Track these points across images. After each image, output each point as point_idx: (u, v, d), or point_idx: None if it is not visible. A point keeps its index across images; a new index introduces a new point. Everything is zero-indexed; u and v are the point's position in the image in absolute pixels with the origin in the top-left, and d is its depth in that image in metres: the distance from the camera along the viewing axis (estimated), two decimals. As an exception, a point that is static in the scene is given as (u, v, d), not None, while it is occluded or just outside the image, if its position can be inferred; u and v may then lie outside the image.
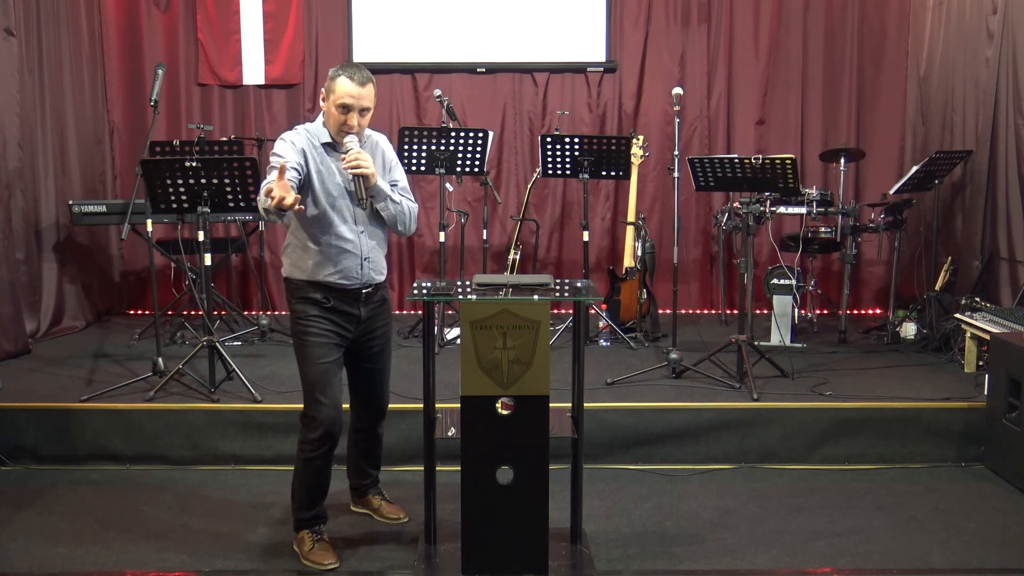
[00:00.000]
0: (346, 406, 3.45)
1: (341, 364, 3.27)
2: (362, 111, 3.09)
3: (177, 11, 6.58)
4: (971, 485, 4.03)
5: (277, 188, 2.83)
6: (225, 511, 3.73)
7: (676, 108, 5.10)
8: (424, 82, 6.66)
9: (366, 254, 3.20)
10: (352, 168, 3.01)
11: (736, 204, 5.67)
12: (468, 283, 3.22)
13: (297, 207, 2.92)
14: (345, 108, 3.06)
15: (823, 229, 5.78)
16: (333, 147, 3.15)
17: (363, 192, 3.05)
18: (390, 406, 3.59)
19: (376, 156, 3.22)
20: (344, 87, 3.06)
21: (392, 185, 3.25)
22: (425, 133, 5.31)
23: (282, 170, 2.87)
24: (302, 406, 3.23)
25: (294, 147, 3.10)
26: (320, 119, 3.19)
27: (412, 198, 3.32)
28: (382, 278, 3.30)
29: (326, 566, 3.21)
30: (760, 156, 4.67)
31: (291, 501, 3.33)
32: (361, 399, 3.48)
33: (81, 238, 6.13)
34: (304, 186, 3.12)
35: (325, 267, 3.16)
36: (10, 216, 5.23)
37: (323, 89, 3.15)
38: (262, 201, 2.93)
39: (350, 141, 3.07)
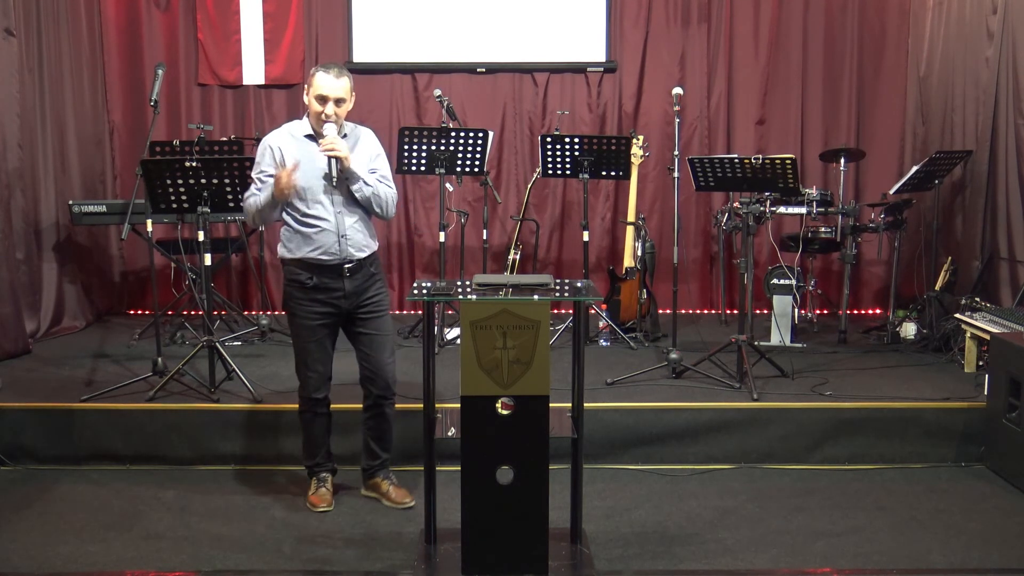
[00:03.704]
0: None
1: (329, 337, 3.61)
2: (337, 101, 3.45)
3: (177, 11, 6.58)
4: (971, 485, 4.03)
5: (284, 178, 3.37)
6: (225, 511, 3.73)
7: (676, 108, 5.08)
8: (424, 82, 6.66)
9: (343, 232, 3.49)
10: (327, 151, 3.40)
11: (736, 204, 5.67)
12: (468, 283, 3.22)
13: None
14: (322, 99, 3.44)
15: (823, 229, 5.77)
16: (314, 137, 3.50)
17: (334, 171, 3.41)
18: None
19: (358, 144, 3.57)
20: (320, 80, 3.44)
21: (371, 172, 3.55)
22: (425, 133, 5.30)
23: (278, 180, 3.40)
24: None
25: (270, 152, 3.50)
26: (307, 115, 3.57)
27: (391, 186, 3.64)
28: (363, 255, 3.56)
29: (317, 509, 3.65)
30: (760, 156, 4.67)
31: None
32: (365, 371, 3.66)
33: (81, 238, 6.13)
34: None
35: (306, 245, 3.49)
36: (10, 216, 5.23)
37: (305, 85, 3.49)
38: (263, 199, 3.46)
39: (327, 129, 3.43)
